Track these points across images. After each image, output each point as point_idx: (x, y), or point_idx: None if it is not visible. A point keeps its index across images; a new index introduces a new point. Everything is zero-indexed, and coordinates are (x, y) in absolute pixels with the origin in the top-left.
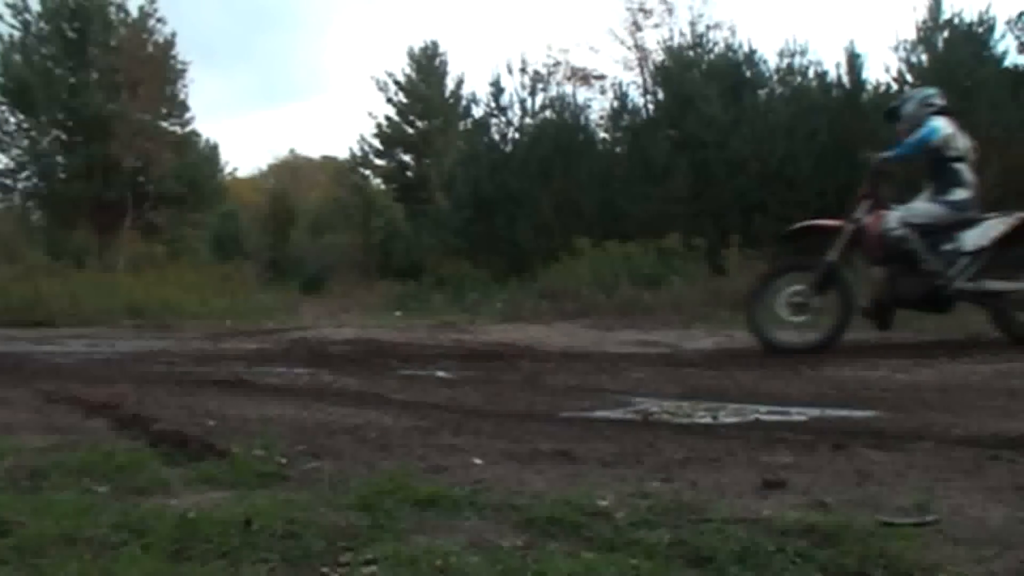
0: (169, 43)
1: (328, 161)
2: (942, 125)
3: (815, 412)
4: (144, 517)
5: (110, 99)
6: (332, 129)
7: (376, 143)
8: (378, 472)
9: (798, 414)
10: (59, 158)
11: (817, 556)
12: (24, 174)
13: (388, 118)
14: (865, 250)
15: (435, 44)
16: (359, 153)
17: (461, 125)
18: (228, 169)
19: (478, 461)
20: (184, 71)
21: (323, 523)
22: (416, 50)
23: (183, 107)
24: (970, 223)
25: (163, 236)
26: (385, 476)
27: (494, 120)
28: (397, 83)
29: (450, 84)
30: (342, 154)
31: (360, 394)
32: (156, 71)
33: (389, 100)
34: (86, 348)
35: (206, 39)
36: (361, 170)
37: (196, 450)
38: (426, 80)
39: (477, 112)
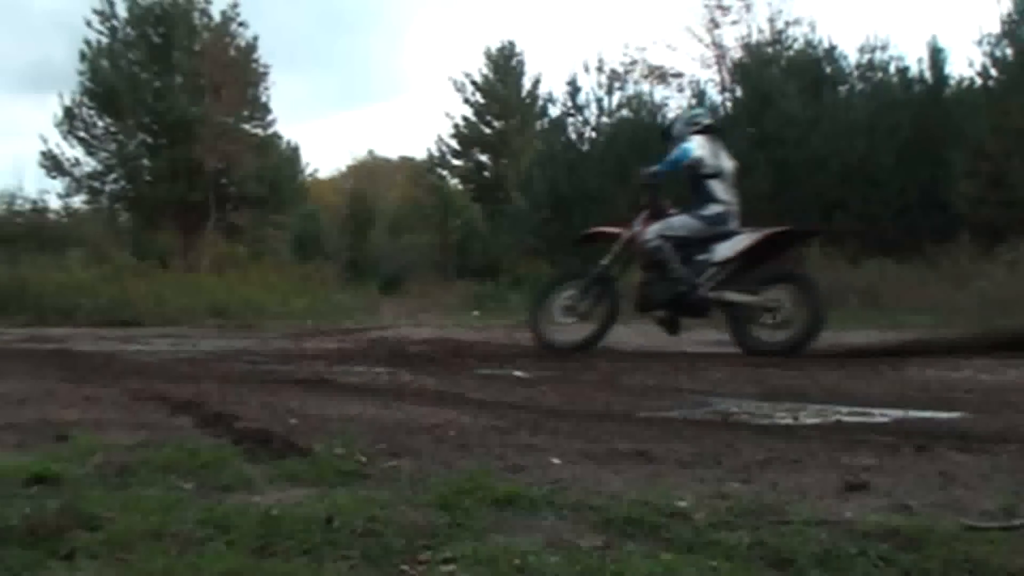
0: (251, 46)
1: (406, 162)
2: (695, 146)
3: (898, 413)
4: (228, 514)
5: (194, 102)
6: (410, 130)
7: (453, 143)
8: (457, 471)
9: (880, 415)
10: (145, 161)
11: (900, 560)
12: (111, 177)
13: (465, 118)
14: (637, 257)
15: (512, 44)
16: (437, 154)
17: (538, 125)
18: (308, 170)
19: (556, 461)
20: (265, 74)
21: (403, 521)
22: (493, 50)
23: (265, 109)
24: (724, 236)
25: (245, 237)
26: (464, 475)
27: (571, 119)
28: (474, 83)
29: (527, 84)
30: (420, 155)
31: (439, 393)
32: (238, 74)
33: (466, 100)
34: (171, 347)
35: (287, 42)
36: (439, 170)
37: (278, 448)
38: (503, 80)
39: (554, 111)
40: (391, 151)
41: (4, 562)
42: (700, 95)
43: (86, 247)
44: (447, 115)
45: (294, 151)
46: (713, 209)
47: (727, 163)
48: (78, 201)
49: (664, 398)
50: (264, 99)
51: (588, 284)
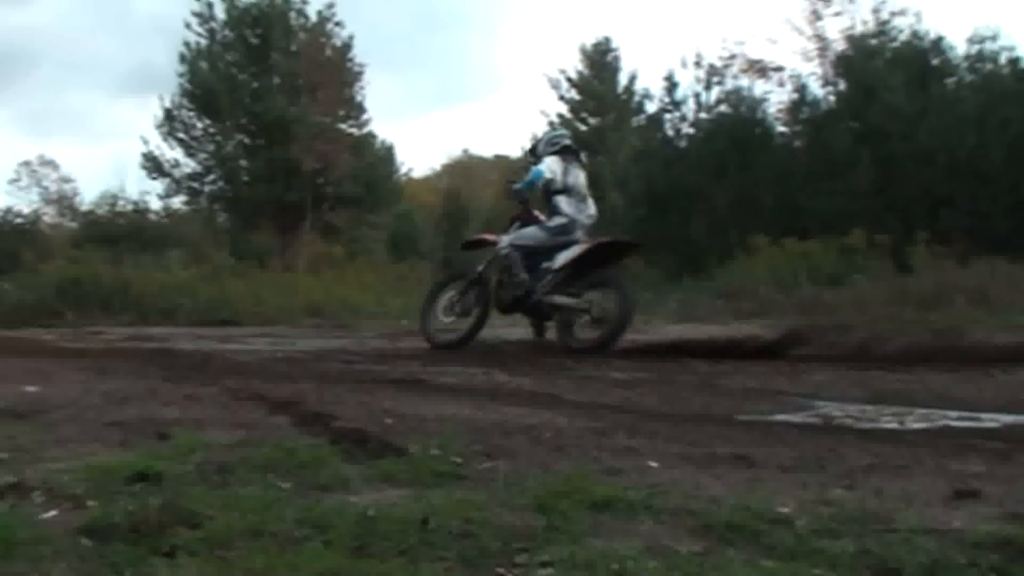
0: (347, 46)
1: (501, 160)
2: (546, 167)
3: (1008, 419)
4: (326, 513)
5: (291, 103)
6: (505, 128)
7: None
8: (553, 473)
9: (990, 420)
10: (243, 162)
11: (1012, 572)
12: (210, 177)
13: (560, 115)
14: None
15: (608, 40)
16: None
17: (634, 121)
18: (403, 170)
19: (654, 464)
20: (361, 73)
21: (499, 523)
22: (589, 46)
23: (360, 109)
24: (566, 246)
25: (341, 236)
26: (560, 477)
27: (668, 115)
28: (569, 80)
29: (623, 80)
30: (515, 153)
31: (534, 394)
32: (334, 74)
33: (561, 97)
34: (269, 346)
35: (382, 41)
36: None
37: (375, 448)
38: (599, 76)
39: (651, 107)
40: (486, 149)
41: (108, 559)
42: (801, 89)
43: (186, 247)
44: (542, 112)
45: (389, 150)
46: (557, 221)
47: (578, 180)
48: (178, 202)
49: (764, 401)
50: (360, 99)
51: (466, 286)
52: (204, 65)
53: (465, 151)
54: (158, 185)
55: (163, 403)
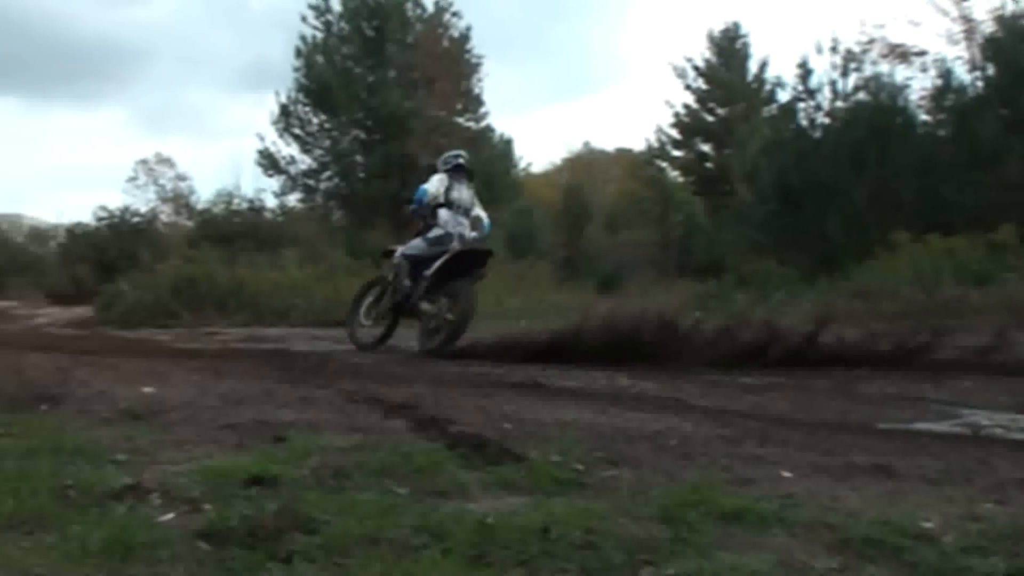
0: (464, 37)
1: (623, 154)
2: (430, 185)
3: None
4: (443, 520)
5: (407, 96)
6: (628, 120)
7: (674, 133)
8: (680, 482)
9: None
10: (358, 157)
11: None
12: (326, 174)
13: (686, 106)
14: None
15: (736, 25)
16: (656, 144)
17: (765, 111)
18: (522, 164)
19: (787, 474)
20: (479, 65)
21: (622, 534)
22: (716, 33)
23: (478, 102)
24: (442, 255)
25: None
26: (687, 487)
27: (802, 104)
28: (696, 68)
29: (753, 67)
30: (638, 146)
31: (659, 399)
32: (451, 66)
33: (688, 87)
34: (384, 348)
35: (501, 32)
36: (658, 162)
37: (493, 454)
38: (727, 64)
39: (783, 96)
40: (608, 143)
41: (225, 563)
42: (946, 74)
43: (301, 246)
44: (667, 103)
45: (508, 145)
46: (435, 233)
47: (460, 196)
48: (293, 199)
49: (906, 408)
50: (477, 91)
51: (381, 291)
52: (320, 59)
53: (586, 144)
54: (274, 182)
55: (279, 405)
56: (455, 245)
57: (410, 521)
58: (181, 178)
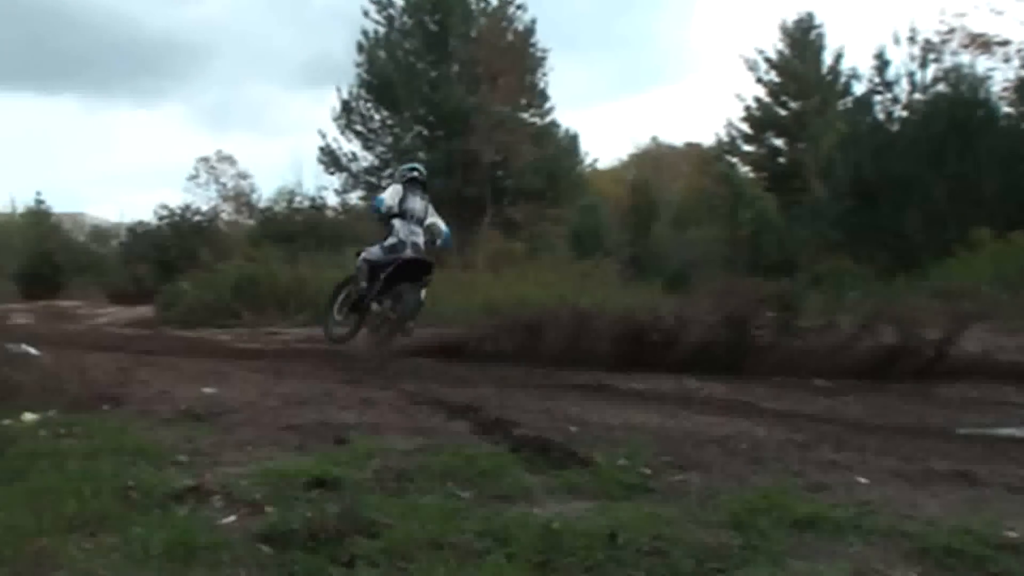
0: (529, 31)
1: (692, 149)
2: (385, 196)
3: None
4: (507, 525)
5: (470, 92)
6: (697, 114)
7: (744, 127)
8: (750, 488)
9: None
10: (421, 154)
11: None
12: (387, 171)
13: (758, 99)
14: None
15: (810, 16)
16: (726, 139)
17: (840, 104)
18: (588, 160)
19: (863, 480)
20: (544, 59)
21: (691, 540)
22: (789, 23)
23: (543, 97)
24: (395, 261)
25: (522, 232)
26: (759, 492)
27: (878, 97)
28: (768, 60)
29: (827, 59)
30: (707, 141)
31: (728, 402)
32: (516, 61)
33: (759, 80)
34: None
35: (566, 24)
36: (728, 157)
37: (558, 457)
38: (800, 56)
39: (859, 89)
40: (676, 137)
41: (287, 567)
42: None
43: (362, 245)
44: (738, 96)
45: (573, 140)
46: (390, 241)
47: (413, 206)
48: (355, 197)
49: (987, 412)
50: (542, 86)
51: (350, 290)
52: (382, 54)
53: (654, 139)
54: (335, 180)
55: (340, 407)
56: (408, 252)
57: (474, 525)
58: (242, 176)
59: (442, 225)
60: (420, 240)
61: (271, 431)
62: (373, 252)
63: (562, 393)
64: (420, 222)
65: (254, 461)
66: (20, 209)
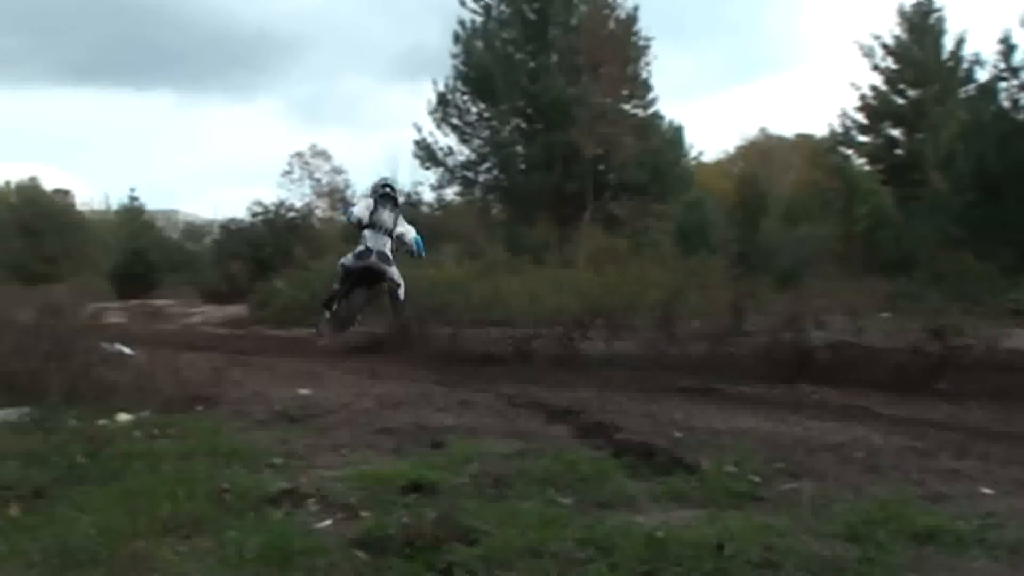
0: (631, 18)
1: (803, 140)
2: (356, 208)
3: None
4: (610, 533)
5: (570, 82)
6: (809, 104)
7: (860, 117)
8: (867, 497)
9: None
10: (519, 148)
11: None
12: (485, 166)
13: (874, 88)
14: None
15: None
16: (839, 130)
17: (962, 92)
18: (693, 153)
19: (987, 491)
20: (647, 48)
21: (804, 552)
22: (907, 7)
23: (646, 87)
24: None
25: (624, 228)
26: (875, 503)
27: (1003, 83)
28: (885, 47)
29: (948, 44)
30: (820, 132)
31: (843, 407)
32: (618, 50)
33: (875, 67)
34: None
35: (671, 11)
36: (842, 149)
37: (662, 463)
38: (919, 41)
39: (982, 75)
40: (786, 128)
41: (382, 573)
42: None
43: (459, 241)
44: (852, 85)
45: (677, 132)
46: (359, 248)
47: (381, 218)
48: (451, 193)
49: None
50: (645, 75)
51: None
52: (479, 45)
53: (763, 131)
54: (431, 175)
55: (436, 409)
56: (372, 259)
57: (575, 533)
58: (337, 171)
59: (412, 234)
60: (386, 248)
61: (366, 433)
62: (347, 259)
63: (666, 396)
64: (388, 232)
65: (349, 464)
66: (114, 206)
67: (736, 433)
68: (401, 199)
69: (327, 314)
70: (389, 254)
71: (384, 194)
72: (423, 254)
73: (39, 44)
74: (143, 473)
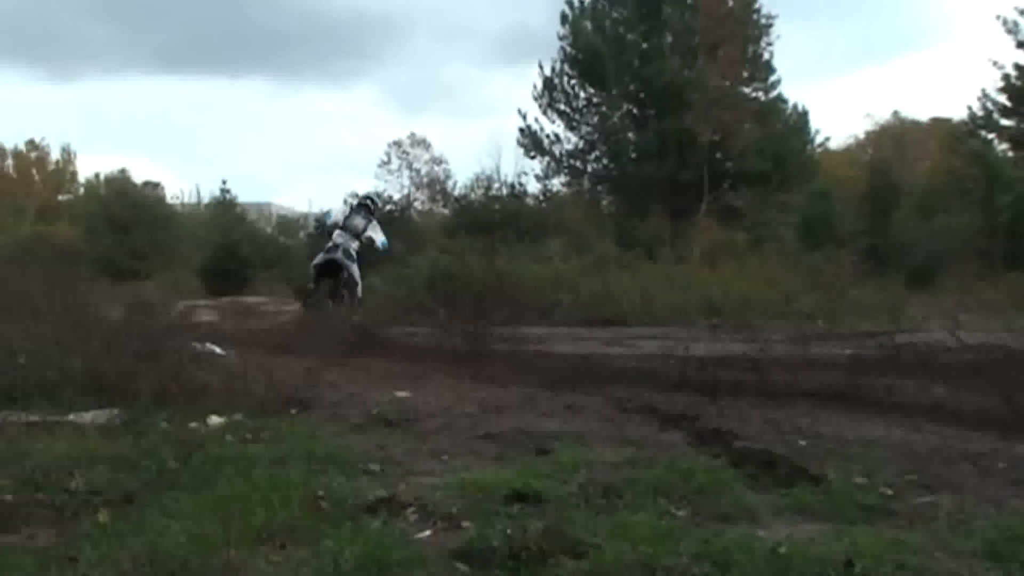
0: None
1: (939, 124)
2: (333, 212)
3: None
4: (728, 548)
5: (686, 65)
6: (945, 85)
7: (1002, 99)
8: (1010, 513)
9: None
10: (630, 135)
11: None
12: (593, 154)
13: (1018, 67)
14: None
15: None
16: (979, 112)
17: None
18: (819, 139)
19: None
20: (769, 26)
21: (940, 571)
22: None
23: (767, 69)
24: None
25: (743, 221)
26: (1019, 519)
27: None
28: None
29: None
30: (957, 114)
31: (982, 413)
32: (737, 29)
33: (1020, 44)
34: (659, 350)
35: None
36: (982, 133)
37: (786, 473)
38: None
39: None
40: (921, 112)
41: None
42: None
43: (566, 235)
44: (994, 64)
45: (802, 117)
46: (329, 244)
47: (353, 222)
48: (557, 183)
49: None
50: (767, 56)
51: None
52: (588, 25)
53: (895, 114)
54: (536, 164)
55: (541, 413)
56: (338, 254)
57: (690, 547)
58: (436, 161)
59: (381, 238)
60: (351, 246)
61: (467, 439)
62: (318, 258)
63: (789, 402)
64: (357, 235)
65: (450, 471)
66: (205, 199)
67: (866, 441)
68: (389, 207)
69: (303, 306)
70: (353, 254)
71: (362, 204)
72: (389, 253)
73: (128, 32)
74: (236, 479)
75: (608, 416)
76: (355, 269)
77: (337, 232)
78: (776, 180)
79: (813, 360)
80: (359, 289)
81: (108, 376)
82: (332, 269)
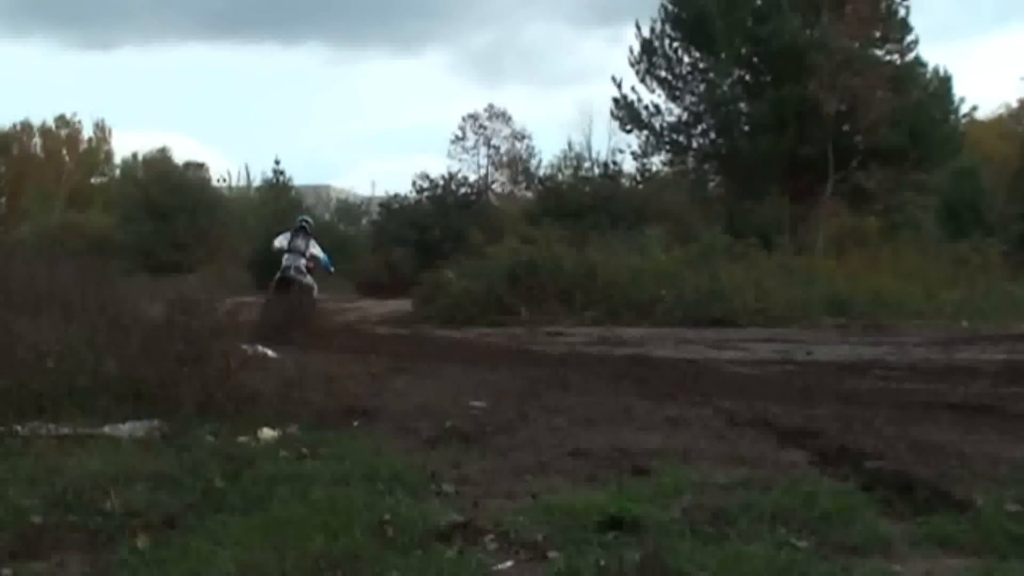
0: None
1: None
2: (277, 240)
3: None
4: None
5: (807, 24)
6: None
7: None
8: None
9: None
10: (742, 105)
11: None
12: (699, 128)
13: None
14: None
15: None
16: None
17: None
18: (964, 109)
19: None
20: None
21: None
22: None
23: (903, 28)
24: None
25: (875, 205)
26: None
27: None
28: None
29: None
30: None
31: None
32: None
33: None
34: (776, 355)
35: None
36: None
37: (925, 498)
38: None
39: None
40: None
41: None
42: None
43: (667, 222)
44: None
45: (944, 83)
46: (283, 264)
47: (296, 244)
48: (657, 162)
49: None
50: (902, 13)
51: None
52: None
53: None
54: (633, 139)
55: (640, 428)
56: (290, 272)
57: None
58: (518, 137)
59: (321, 254)
60: (300, 263)
61: (554, 456)
62: (276, 275)
63: (929, 415)
64: (302, 254)
65: (534, 493)
66: (256, 182)
67: (1018, 463)
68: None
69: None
70: (303, 268)
71: (300, 227)
72: (331, 269)
73: None
74: (290, 500)
75: (716, 431)
76: (308, 279)
77: (285, 256)
78: (913, 157)
79: (957, 366)
80: (315, 292)
81: (147, 383)
82: (287, 283)
